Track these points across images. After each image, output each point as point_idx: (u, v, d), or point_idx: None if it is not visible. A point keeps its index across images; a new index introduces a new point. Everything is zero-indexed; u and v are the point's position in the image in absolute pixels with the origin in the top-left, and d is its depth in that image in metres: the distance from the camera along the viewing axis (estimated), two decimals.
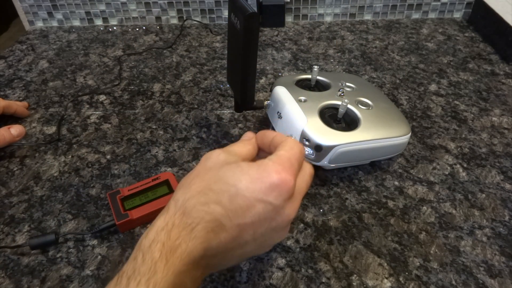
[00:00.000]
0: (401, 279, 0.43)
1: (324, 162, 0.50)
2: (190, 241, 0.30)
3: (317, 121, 0.51)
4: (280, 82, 0.59)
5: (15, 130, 0.59)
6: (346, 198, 0.52)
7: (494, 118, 0.64)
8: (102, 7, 0.95)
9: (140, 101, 0.70)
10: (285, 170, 0.32)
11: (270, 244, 0.36)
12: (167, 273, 0.29)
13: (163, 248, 0.30)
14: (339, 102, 0.53)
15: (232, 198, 0.31)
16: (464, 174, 0.55)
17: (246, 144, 0.38)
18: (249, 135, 0.41)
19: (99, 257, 0.45)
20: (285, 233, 0.36)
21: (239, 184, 0.32)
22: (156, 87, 0.74)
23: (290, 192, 0.32)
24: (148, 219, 0.49)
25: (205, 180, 0.33)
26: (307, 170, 0.37)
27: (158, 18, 0.97)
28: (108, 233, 0.48)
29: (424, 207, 0.50)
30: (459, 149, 0.59)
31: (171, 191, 0.50)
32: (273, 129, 0.58)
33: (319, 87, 0.60)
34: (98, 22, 0.97)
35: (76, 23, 0.97)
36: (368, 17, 0.96)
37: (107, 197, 0.50)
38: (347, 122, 0.53)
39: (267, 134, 0.39)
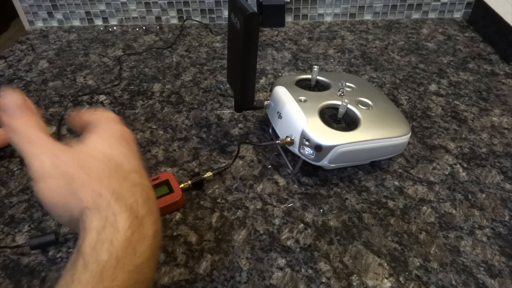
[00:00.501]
0: (401, 279, 0.43)
1: (324, 162, 0.50)
2: (148, 219, 0.29)
3: (317, 121, 0.51)
4: (280, 82, 0.59)
5: None
6: (346, 198, 0.52)
7: (494, 118, 0.64)
8: (102, 7, 0.95)
9: (140, 101, 0.70)
10: (114, 122, 0.34)
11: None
12: (117, 276, 0.26)
13: (111, 246, 0.27)
14: (339, 102, 0.53)
15: (128, 161, 0.32)
16: (464, 174, 0.55)
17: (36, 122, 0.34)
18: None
19: None
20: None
21: (108, 152, 0.31)
22: (156, 87, 0.74)
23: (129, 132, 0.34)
24: None
25: (95, 165, 0.30)
26: None
27: (158, 18, 0.97)
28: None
29: (424, 207, 0.50)
30: (459, 149, 0.59)
31: (171, 191, 0.50)
32: (273, 129, 0.58)
33: (319, 87, 0.60)
34: (98, 22, 0.97)
35: (76, 23, 0.97)
36: (368, 17, 0.96)
37: None
38: (347, 122, 0.53)
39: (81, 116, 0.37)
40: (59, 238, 0.47)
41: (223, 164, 0.57)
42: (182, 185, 0.52)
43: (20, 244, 0.46)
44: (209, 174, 0.53)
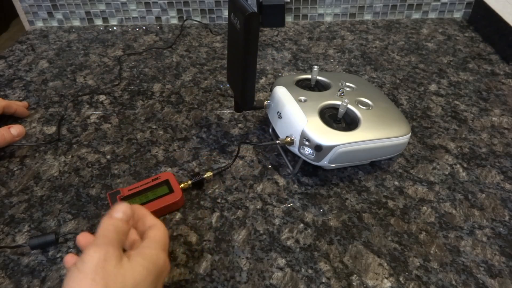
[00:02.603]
0: (401, 279, 0.43)
1: (324, 162, 0.50)
2: None
3: (317, 121, 0.51)
4: (280, 82, 0.59)
5: (15, 130, 0.59)
6: (346, 198, 0.52)
7: (494, 118, 0.64)
8: (102, 7, 0.95)
9: (140, 101, 0.70)
10: (159, 252, 0.37)
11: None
12: None
13: None
14: (339, 102, 0.53)
15: None
16: (464, 174, 0.55)
17: (122, 224, 0.38)
18: (121, 211, 0.39)
19: None
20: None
21: (139, 286, 0.34)
22: (156, 87, 0.74)
23: (168, 266, 0.39)
24: None
25: None
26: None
27: (158, 18, 0.97)
28: None
29: (424, 207, 0.50)
30: (459, 149, 0.59)
31: (171, 191, 0.50)
32: (273, 129, 0.58)
33: (319, 87, 0.60)
34: (98, 22, 0.97)
35: (76, 23, 0.97)
36: (368, 17, 0.96)
37: (107, 197, 0.50)
38: (347, 122, 0.53)
39: (138, 210, 0.42)
40: (59, 238, 0.47)
41: (223, 164, 0.57)
42: (182, 185, 0.52)
43: (20, 244, 0.46)
44: (209, 174, 0.53)
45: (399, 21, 0.95)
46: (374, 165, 0.56)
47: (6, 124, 0.60)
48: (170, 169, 0.56)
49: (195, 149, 0.60)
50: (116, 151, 0.60)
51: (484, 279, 0.42)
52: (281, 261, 0.44)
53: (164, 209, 0.49)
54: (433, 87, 0.72)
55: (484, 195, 0.52)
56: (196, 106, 0.69)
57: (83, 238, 0.42)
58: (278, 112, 0.55)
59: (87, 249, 0.34)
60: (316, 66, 0.58)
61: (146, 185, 0.51)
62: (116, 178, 0.55)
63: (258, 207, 0.51)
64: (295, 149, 0.52)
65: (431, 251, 0.45)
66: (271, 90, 0.59)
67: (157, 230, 0.40)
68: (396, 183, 0.54)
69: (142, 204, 0.49)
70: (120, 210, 0.38)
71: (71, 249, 0.46)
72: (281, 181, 0.54)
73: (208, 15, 0.96)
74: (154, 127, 0.64)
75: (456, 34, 0.89)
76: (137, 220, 0.42)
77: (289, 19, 0.97)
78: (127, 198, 0.50)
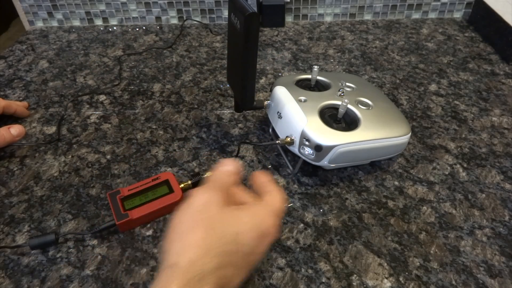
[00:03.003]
0: (401, 279, 0.43)
1: (324, 162, 0.50)
2: None
3: (317, 121, 0.51)
4: (280, 82, 0.59)
5: (15, 130, 0.59)
6: (346, 198, 0.52)
7: (494, 118, 0.64)
8: (102, 7, 0.95)
9: (140, 101, 0.70)
10: (271, 218, 0.37)
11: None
12: None
13: None
14: (339, 102, 0.53)
15: (239, 255, 0.33)
16: (464, 174, 0.55)
17: (230, 174, 0.40)
18: (229, 164, 0.41)
19: (99, 257, 0.45)
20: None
21: (242, 239, 0.34)
22: (156, 87, 0.74)
23: (276, 233, 0.37)
24: (147, 219, 0.49)
25: (206, 235, 0.32)
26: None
27: (158, 18, 0.97)
28: (108, 233, 0.48)
29: (424, 207, 0.50)
30: (459, 149, 0.59)
31: (171, 191, 0.50)
32: (273, 129, 0.58)
33: (319, 87, 0.60)
34: (98, 22, 0.97)
35: (76, 23, 0.97)
36: (368, 17, 0.96)
37: (107, 197, 0.50)
38: (347, 122, 0.53)
39: (260, 177, 0.42)
40: (59, 238, 0.47)
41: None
42: (182, 185, 0.52)
43: (20, 244, 0.46)
44: (209, 174, 0.53)
45: (399, 21, 0.95)
46: (374, 165, 0.56)
47: (6, 124, 0.60)
48: (170, 169, 0.56)
49: (195, 149, 0.60)
50: (116, 151, 0.60)
51: (484, 279, 0.42)
52: (281, 261, 0.44)
53: (164, 209, 0.49)
54: (433, 87, 0.72)
55: (484, 195, 0.52)
56: (196, 106, 0.69)
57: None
58: (278, 112, 0.55)
59: (196, 190, 0.36)
60: (316, 66, 0.58)
61: (146, 185, 0.51)
62: (116, 178, 0.55)
63: None
64: (295, 149, 0.52)
65: (431, 251, 0.45)
66: (271, 90, 0.59)
67: (273, 196, 0.39)
68: (396, 183, 0.54)
69: (142, 204, 0.49)
70: (230, 164, 0.40)
71: (71, 249, 0.46)
72: (281, 181, 0.54)
73: (208, 15, 0.96)
74: (154, 127, 0.64)
75: (456, 34, 0.89)
76: (258, 185, 0.41)
77: (289, 19, 0.97)
78: (127, 198, 0.50)
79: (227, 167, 0.40)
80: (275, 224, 0.37)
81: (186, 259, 0.30)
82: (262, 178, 0.41)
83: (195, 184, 0.52)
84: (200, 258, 0.31)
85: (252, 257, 0.35)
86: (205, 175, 0.53)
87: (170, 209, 0.50)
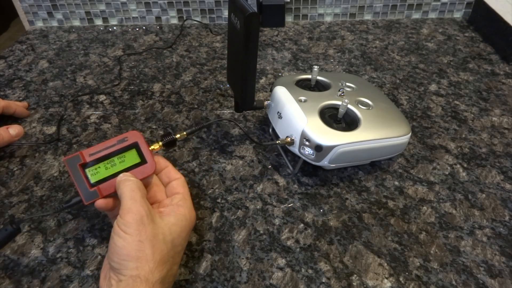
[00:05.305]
0: (401, 279, 0.43)
1: (324, 162, 0.50)
2: None
3: (317, 121, 0.51)
4: (280, 82, 0.59)
5: (14, 130, 0.59)
6: (346, 198, 0.52)
7: (494, 118, 0.64)
8: (102, 7, 0.95)
9: (140, 101, 0.70)
10: (191, 209, 0.44)
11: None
12: None
13: None
14: (339, 102, 0.53)
15: (176, 254, 0.40)
16: (464, 174, 0.55)
17: (138, 182, 0.42)
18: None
19: (99, 257, 0.45)
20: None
21: (176, 242, 0.40)
22: (156, 87, 0.74)
23: (195, 216, 0.44)
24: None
25: (153, 251, 0.37)
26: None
27: (158, 18, 0.97)
28: (108, 233, 0.48)
29: (424, 207, 0.50)
30: (459, 149, 0.59)
31: (142, 161, 0.44)
32: (274, 129, 0.58)
33: (319, 87, 0.60)
34: (98, 22, 0.97)
35: (76, 23, 0.97)
36: (368, 17, 0.96)
37: (65, 164, 0.43)
38: (347, 122, 0.53)
39: (161, 164, 0.47)
40: (19, 228, 0.42)
41: (223, 164, 0.57)
42: (152, 147, 0.46)
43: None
44: (182, 134, 0.49)
45: (399, 21, 0.95)
46: (374, 165, 0.56)
47: (6, 125, 0.60)
48: None
49: (195, 149, 0.60)
50: None
51: (484, 279, 0.42)
52: (281, 261, 0.44)
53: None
54: (433, 87, 0.72)
55: (484, 195, 0.52)
56: (196, 106, 0.69)
57: (102, 202, 0.43)
58: (278, 112, 0.55)
59: (123, 214, 0.38)
60: (316, 66, 0.58)
61: (111, 148, 0.43)
62: None
63: (258, 207, 0.51)
64: (295, 149, 0.52)
65: (431, 251, 0.45)
66: (271, 90, 0.59)
67: (183, 187, 0.45)
68: (396, 183, 0.54)
69: (110, 177, 0.43)
70: (125, 175, 0.43)
71: (71, 249, 0.46)
72: (281, 181, 0.54)
73: (208, 15, 0.96)
74: (154, 127, 0.64)
75: (456, 34, 0.89)
76: (159, 171, 0.46)
77: (289, 19, 0.97)
78: (89, 165, 0.42)
79: (127, 177, 0.42)
80: (192, 210, 0.43)
81: (145, 272, 0.36)
82: (163, 164, 0.46)
83: (166, 145, 0.47)
84: (155, 268, 0.37)
85: (183, 247, 0.42)
86: (177, 135, 0.48)
87: (144, 183, 0.43)
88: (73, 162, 0.42)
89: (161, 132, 0.63)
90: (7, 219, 0.50)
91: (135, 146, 0.44)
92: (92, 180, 0.42)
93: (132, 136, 0.44)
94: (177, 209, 0.42)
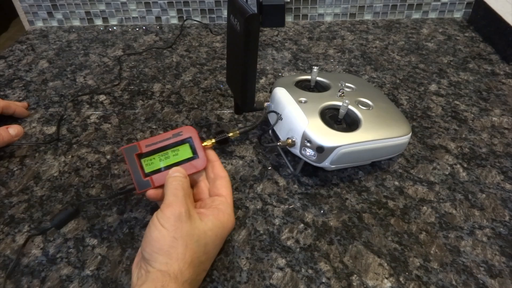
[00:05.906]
0: (401, 279, 0.43)
1: (326, 163, 0.50)
2: None
3: (318, 122, 0.50)
4: (279, 83, 0.59)
5: (13, 130, 0.59)
6: (346, 198, 0.52)
7: (494, 118, 0.64)
8: (102, 7, 0.95)
9: (140, 101, 0.70)
10: (231, 215, 0.44)
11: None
12: None
13: None
14: (339, 103, 0.53)
15: (208, 259, 0.41)
16: (464, 174, 0.55)
17: (183, 179, 0.43)
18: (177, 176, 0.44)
19: (99, 257, 0.45)
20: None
21: (210, 248, 0.41)
22: (156, 87, 0.74)
23: (233, 222, 0.44)
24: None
25: (185, 251, 0.38)
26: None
27: (158, 18, 0.97)
28: (108, 233, 0.48)
29: (424, 207, 0.50)
30: (459, 149, 0.59)
31: (194, 154, 0.45)
32: (273, 130, 0.58)
33: (319, 87, 0.60)
34: (98, 22, 0.97)
35: (76, 23, 0.97)
36: (368, 17, 0.96)
37: (122, 153, 0.45)
38: (347, 123, 0.53)
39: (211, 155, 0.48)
40: (79, 210, 0.45)
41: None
42: (204, 143, 0.47)
43: (48, 228, 0.44)
44: (232, 133, 0.50)
45: (399, 21, 0.95)
46: (374, 165, 0.56)
47: (5, 125, 0.60)
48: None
49: None
50: (116, 151, 0.60)
51: (484, 279, 0.42)
52: (281, 261, 0.44)
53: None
54: (433, 87, 0.72)
55: (484, 195, 0.52)
56: (196, 106, 0.69)
57: (154, 192, 0.44)
58: (278, 113, 0.54)
59: (164, 208, 0.39)
60: (315, 67, 0.58)
61: (166, 141, 0.45)
62: (116, 178, 0.55)
63: (258, 207, 0.51)
64: (296, 150, 0.51)
65: (431, 251, 0.45)
66: (270, 92, 0.59)
67: (227, 188, 0.45)
68: (396, 183, 0.54)
69: (163, 168, 0.44)
70: (176, 171, 0.43)
71: (71, 249, 0.46)
72: (281, 181, 0.54)
73: (208, 15, 0.96)
74: (154, 127, 0.64)
75: (456, 34, 0.89)
76: (208, 165, 0.46)
77: (289, 19, 0.97)
78: (145, 156, 0.45)
79: (176, 174, 0.43)
80: (231, 217, 0.43)
81: (175, 270, 0.36)
82: (212, 158, 0.47)
83: (220, 143, 0.48)
84: (186, 269, 0.37)
85: (214, 255, 0.42)
86: (230, 134, 0.50)
87: (192, 179, 0.46)
88: (130, 152, 0.44)
89: (161, 132, 0.63)
90: (7, 220, 0.50)
91: (188, 141, 0.46)
92: (147, 170, 0.44)
93: (187, 131, 0.46)
94: (217, 214, 0.42)
